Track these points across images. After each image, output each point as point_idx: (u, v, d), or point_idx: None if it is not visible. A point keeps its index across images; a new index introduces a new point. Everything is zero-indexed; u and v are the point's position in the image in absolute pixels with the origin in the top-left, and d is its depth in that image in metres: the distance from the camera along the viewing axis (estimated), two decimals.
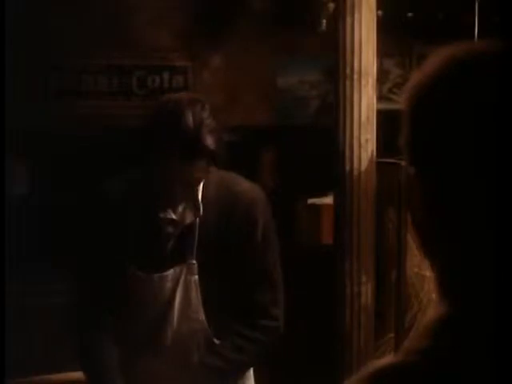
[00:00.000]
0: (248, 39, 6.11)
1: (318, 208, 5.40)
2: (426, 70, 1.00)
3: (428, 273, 3.40)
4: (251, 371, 2.66)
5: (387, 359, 0.97)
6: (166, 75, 6.31)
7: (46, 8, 5.58)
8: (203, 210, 2.36)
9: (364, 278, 3.70)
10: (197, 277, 2.38)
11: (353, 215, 3.68)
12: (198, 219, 2.36)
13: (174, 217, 2.36)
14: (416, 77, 1.02)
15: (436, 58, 1.00)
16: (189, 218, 2.37)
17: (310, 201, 5.50)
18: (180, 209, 2.37)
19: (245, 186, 2.46)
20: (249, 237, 2.40)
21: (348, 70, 3.63)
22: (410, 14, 6.03)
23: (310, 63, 6.34)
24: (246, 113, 6.24)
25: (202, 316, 2.41)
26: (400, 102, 1.03)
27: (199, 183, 2.34)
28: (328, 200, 4.73)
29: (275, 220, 2.55)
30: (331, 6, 4.91)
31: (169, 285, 2.39)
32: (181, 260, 2.38)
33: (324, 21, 5.45)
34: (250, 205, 2.40)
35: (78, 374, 2.57)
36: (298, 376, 4.69)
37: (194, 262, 2.37)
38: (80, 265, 2.56)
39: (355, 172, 3.64)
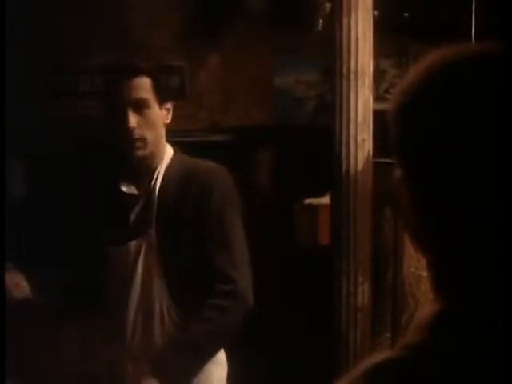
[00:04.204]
0: (245, 39, 6.11)
1: (315, 208, 5.40)
2: (414, 74, 1.02)
3: (425, 273, 3.41)
4: (223, 357, 2.68)
5: (383, 354, 0.98)
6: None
7: (45, 8, 5.58)
8: (165, 184, 2.54)
9: (361, 278, 3.71)
10: (156, 247, 2.51)
11: (349, 215, 3.68)
12: (157, 192, 2.53)
13: (134, 191, 2.56)
14: (404, 80, 1.03)
15: (424, 62, 1.01)
16: (148, 192, 2.55)
17: (307, 201, 5.50)
18: (140, 183, 2.57)
19: (205, 163, 2.65)
20: (206, 205, 2.53)
21: (345, 70, 3.64)
22: (406, 14, 6.03)
23: (306, 63, 6.34)
24: (242, 113, 6.24)
25: (163, 285, 2.51)
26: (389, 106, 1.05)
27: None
28: (325, 200, 4.73)
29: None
30: (328, 5, 4.91)
31: (131, 256, 2.53)
32: (142, 232, 2.53)
33: (321, 21, 5.45)
34: (206, 177, 2.57)
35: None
36: (297, 375, 4.70)
37: (153, 232, 2.51)
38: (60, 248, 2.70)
39: (352, 172, 3.65)
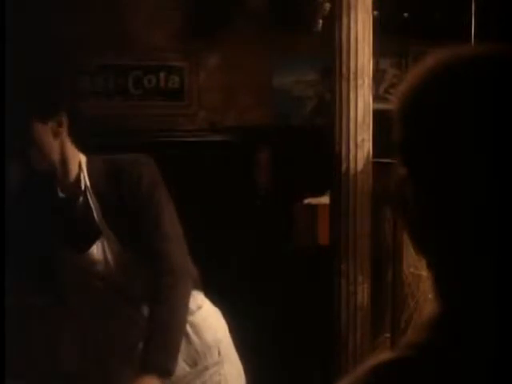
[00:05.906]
0: (244, 39, 6.12)
1: (314, 208, 5.41)
2: (417, 73, 1.02)
3: (424, 272, 3.41)
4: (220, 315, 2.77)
5: (385, 354, 0.98)
6: (162, 75, 6.31)
7: (46, 8, 5.58)
8: (96, 184, 2.54)
9: (360, 278, 3.71)
10: (117, 242, 2.53)
11: (349, 215, 3.69)
12: (90, 195, 2.54)
13: (63, 195, 2.55)
14: (407, 80, 1.04)
15: (426, 62, 1.02)
16: (83, 197, 2.55)
17: (307, 201, 5.51)
18: (70, 187, 2.55)
19: (126, 155, 2.64)
20: (136, 190, 2.54)
21: (344, 70, 3.64)
22: (406, 14, 6.04)
23: (306, 63, 6.35)
24: (241, 113, 6.25)
25: (136, 274, 2.55)
26: (391, 105, 1.05)
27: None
28: (324, 200, 4.74)
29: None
30: (327, 6, 4.92)
31: (99, 258, 2.55)
32: (98, 232, 2.54)
33: (320, 21, 5.46)
34: (131, 165, 2.56)
35: None
36: (296, 376, 4.70)
37: (109, 231, 2.53)
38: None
39: (351, 172, 3.65)
